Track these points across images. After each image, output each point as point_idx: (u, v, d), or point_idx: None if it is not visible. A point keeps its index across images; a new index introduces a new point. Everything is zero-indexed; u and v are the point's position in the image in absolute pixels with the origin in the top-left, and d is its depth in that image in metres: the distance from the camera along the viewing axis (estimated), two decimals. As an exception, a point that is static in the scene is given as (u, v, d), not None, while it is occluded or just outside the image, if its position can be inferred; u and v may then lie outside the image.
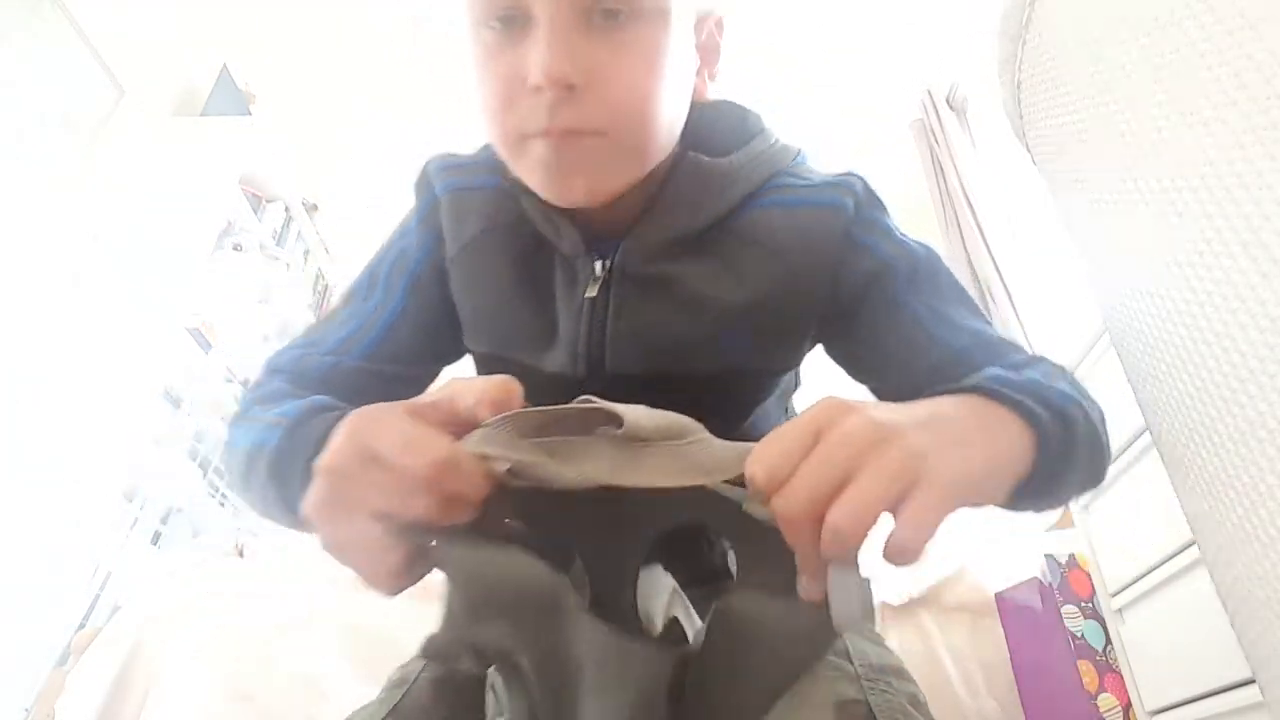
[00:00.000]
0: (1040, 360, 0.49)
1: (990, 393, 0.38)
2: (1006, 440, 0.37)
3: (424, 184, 0.61)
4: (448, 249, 0.57)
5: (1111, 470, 0.96)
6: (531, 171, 0.48)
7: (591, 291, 0.50)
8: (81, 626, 1.27)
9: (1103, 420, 0.46)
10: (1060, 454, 0.39)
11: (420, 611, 1.20)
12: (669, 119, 0.48)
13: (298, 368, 0.53)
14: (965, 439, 0.34)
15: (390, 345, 0.55)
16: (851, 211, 0.52)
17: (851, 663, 0.48)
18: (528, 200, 0.52)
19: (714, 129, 0.55)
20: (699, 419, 0.37)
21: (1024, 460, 0.37)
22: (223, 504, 2.14)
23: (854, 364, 0.55)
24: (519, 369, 0.48)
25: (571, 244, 0.51)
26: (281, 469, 0.42)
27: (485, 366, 0.57)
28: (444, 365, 0.58)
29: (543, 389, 0.44)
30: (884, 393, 0.53)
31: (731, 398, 0.54)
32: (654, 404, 0.37)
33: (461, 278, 0.56)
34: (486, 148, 0.57)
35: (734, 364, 0.52)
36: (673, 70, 0.48)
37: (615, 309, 0.51)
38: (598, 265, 0.51)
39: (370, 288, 0.59)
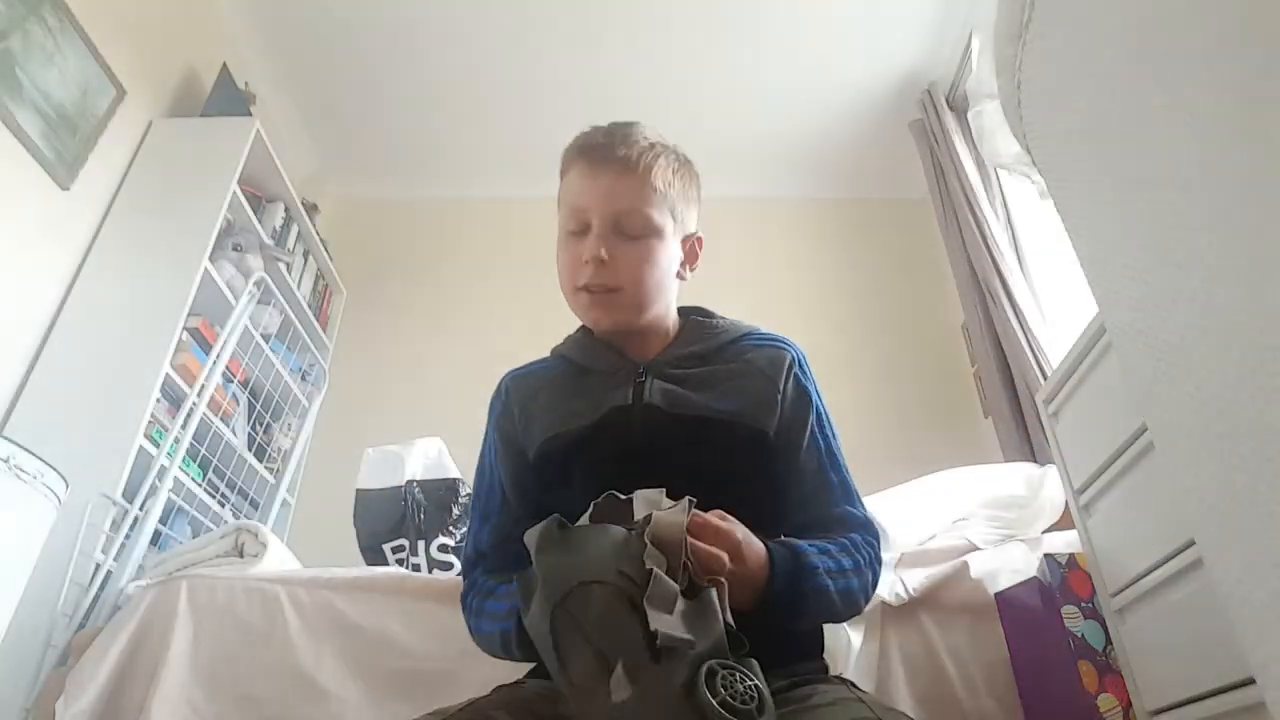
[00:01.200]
0: (857, 528, 0.78)
1: (776, 558, 0.67)
2: (756, 586, 0.65)
3: (497, 391, 0.94)
4: (514, 408, 0.88)
5: (1111, 470, 0.97)
6: (581, 308, 0.86)
7: (640, 380, 0.84)
8: (81, 626, 1.26)
9: (855, 590, 0.72)
10: (787, 603, 0.66)
11: (416, 614, 1.20)
12: (655, 289, 0.85)
13: (477, 552, 0.85)
14: (754, 575, 0.65)
15: (500, 493, 0.86)
16: (795, 355, 0.87)
17: (864, 701, 0.62)
18: (583, 354, 0.90)
19: (700, 311, 0.95)
20: (702, 445, 0.78)
21: (757, 597, 0.65)
22: (223, 504, 2.14)
23: (780, 470, 0.81)
24: (562, 437, 0.80)
25: (617, 363, 0.86)
26: (522, 639, 0.70)
27: (542, 452, 0.82)
28: (531, 498, 0.84)
29: (588, 429, 0.79)
30: (784, 491, 0.81)
31: (722, 437, 0.79)
32: (672, 425, 0.79)
33: (529, 413, 0.86)
34: (541, 358, 0.96)
35: (721, 411, 0.79)
36: (663, 262, 0.85)
37: (649, 383, 0.82)
38: (640, 370, 0.84)
39: (481, 465, 0.91)
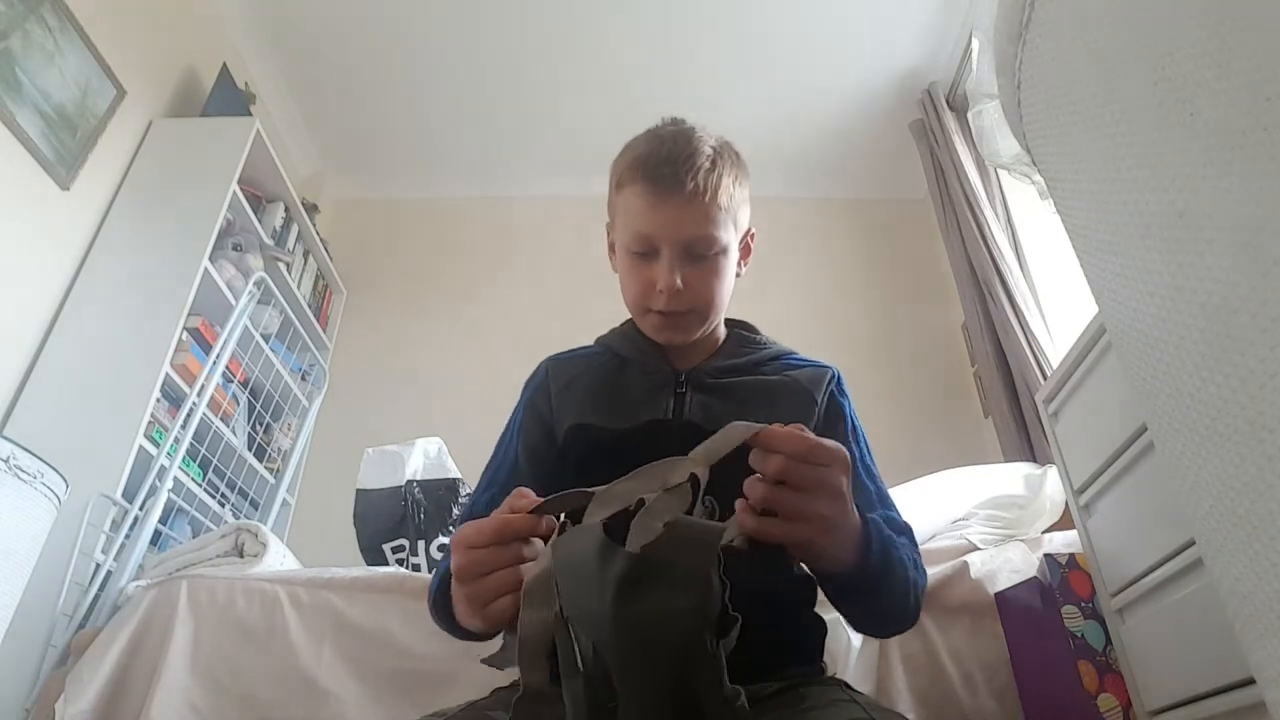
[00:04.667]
0: (901, 532, 0.75)
1: (867, 524, 0.62)
2: (851, 546, 0.60)
3: (535, 371, 0.94)
4: (550, 387, 0.89)
5: (1111, 470, 0.97)
6: (651, 329, 0.86)
7: (680, 390, 0.84)
8: (81, 626, 1.26)
9: (919, 587, 0.70)
10: (876, 574, 0.62)
11: (416, 614, 1.20)
12: (723, 302, 0.87)
13: (471, 516, 0.78)
14: (843, 533, 0.58)
15: (515, 465, 0.86)
16: (835, 373, 0.89)
17: (858, 702, 0.61)
18: (628, 347, 0.90)
19: (745, 325, 0.96)
20: (738, 464, 0.67)
21: (850, 559, 0.60)
22: (223, 504, 2.14)
23: None
24: (595, 429, 0.81)
25: (660, 366, 0.87)
26: (440, 598, 0.69)
27: (570, 436, 0.83)
28: (545, 472, 0.84)
29: (622, 434, 0.80)
30: None
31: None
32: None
33: (564, 397, 0.87)
34: (584, 346, 0.96)
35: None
36: (729, 276, 0.85)
37: (689, 396, 0.84)
38: (681, 379, 0.85)
39: (502, 439, 0.90)
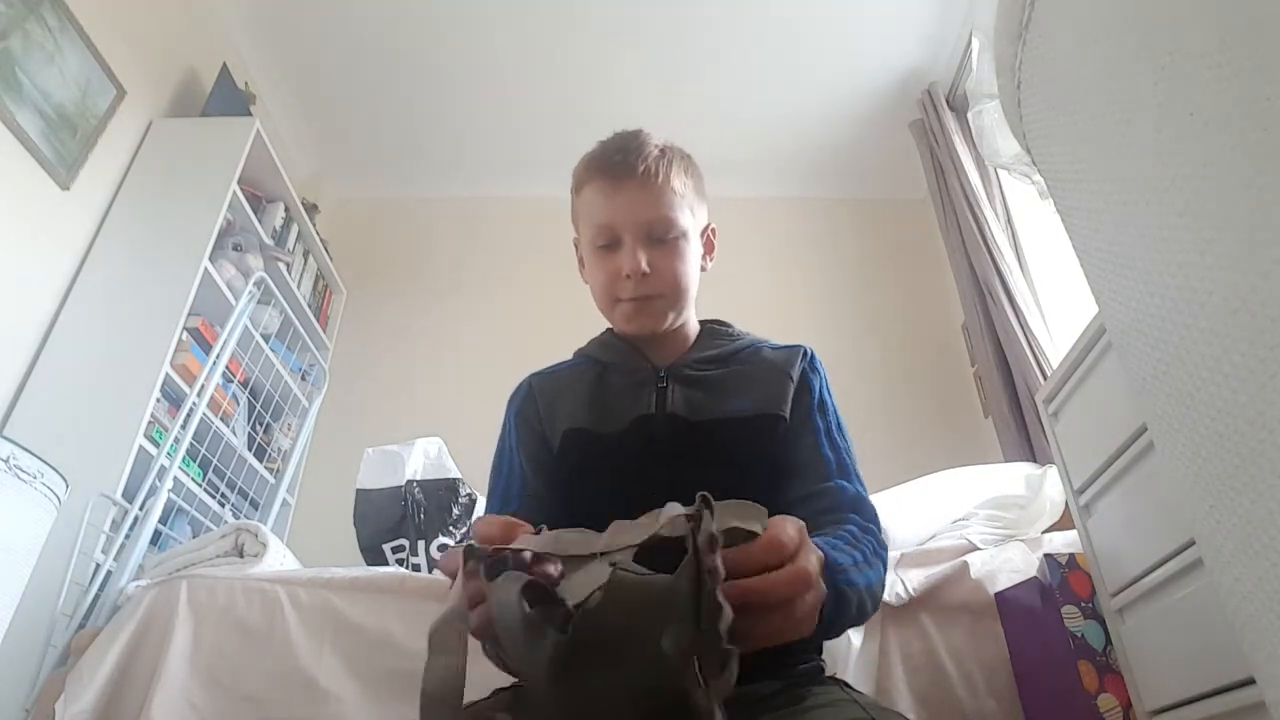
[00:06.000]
0: (850, 507, 0.74)
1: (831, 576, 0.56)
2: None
3: (519, 388, 0.95)
4: (537, 401, 0.91)
5: (1111, 470, 0.97)
6: (622, 319, 0.88)
7: (661, 385, 0.87)
8: (81, 626, 1.26)
9: (866, 588, 0.63)
10: (834, 620, 0.56)
11: (416, 614, 1.20)
12: (690, 287, 0.89)
13: None
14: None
15: (523, 476, 0.87)
16: (809, 350, 0.91)
17: (858, 702, 0.61)
18: (607, 353, 0.93)
19: (718, 322, 0.98)
20: (724, 449, 0.80)
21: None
22: (223, 504, 2.14)
23: (782, 450, 0.82)
24: (589, 433, 0.83)
25: (640, 365, 0.89)
26: None
27: (566, 441, 0.84)
28: (548, 476, 0.85)
29: (615, 437, 0.82)
30: (781, 470, 0.81)
31: (740, 434, 0.81)
32: (693, 433, 0.81)
33: (554, 407, 0.89)
34: (564, 360, 0.98)
35: (739, 410, 0.83)
36: (693, 261, 0.89)
37: (671, 389, 0.86)
38: (661, 374, 0.88)
39: (499, 458, 0.91)
